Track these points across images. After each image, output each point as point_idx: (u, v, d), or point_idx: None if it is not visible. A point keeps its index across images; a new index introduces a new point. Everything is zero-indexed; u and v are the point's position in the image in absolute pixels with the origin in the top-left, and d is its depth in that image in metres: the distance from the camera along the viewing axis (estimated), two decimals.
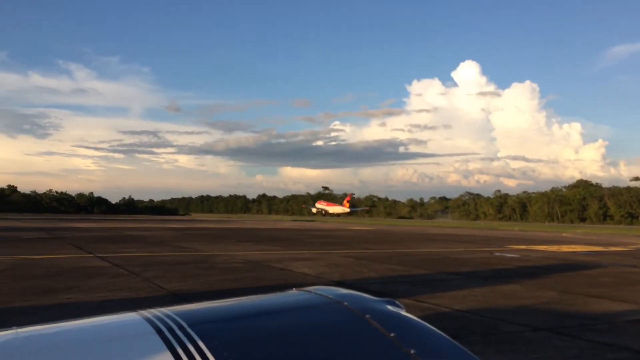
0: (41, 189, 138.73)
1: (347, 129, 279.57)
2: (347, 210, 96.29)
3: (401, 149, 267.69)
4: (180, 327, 1.35)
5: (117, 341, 1.35)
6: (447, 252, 21.21)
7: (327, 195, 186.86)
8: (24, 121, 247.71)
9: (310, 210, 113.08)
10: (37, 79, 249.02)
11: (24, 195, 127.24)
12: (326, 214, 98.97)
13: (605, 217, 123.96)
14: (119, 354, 1.27)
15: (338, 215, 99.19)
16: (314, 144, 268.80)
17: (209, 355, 1.24)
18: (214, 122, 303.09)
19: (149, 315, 1.47)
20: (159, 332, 1.34)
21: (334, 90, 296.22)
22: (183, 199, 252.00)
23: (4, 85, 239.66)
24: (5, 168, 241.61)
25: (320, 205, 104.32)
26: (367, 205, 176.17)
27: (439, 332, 1.48)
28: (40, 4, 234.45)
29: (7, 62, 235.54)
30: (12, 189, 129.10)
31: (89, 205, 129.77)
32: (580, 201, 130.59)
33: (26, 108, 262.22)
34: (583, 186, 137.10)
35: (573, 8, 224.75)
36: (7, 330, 1.44)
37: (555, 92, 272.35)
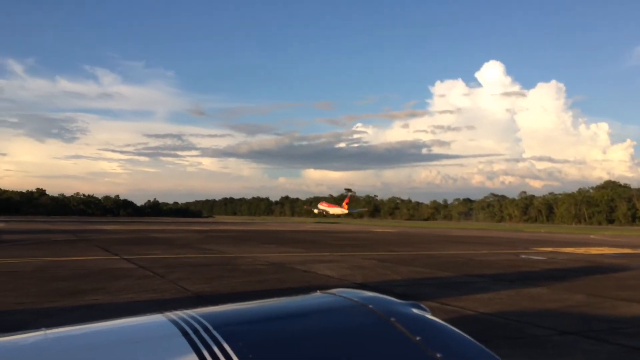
0: (69, 191, 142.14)
1: (370, 130, 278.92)
2: (346, 211, 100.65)
3: (424, 151, 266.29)
4: (206, 329, 1.36)
5: (143, 343, 1.36)
6: (472, 254, 21.00)
7: (349, 197, 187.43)
8: (52, 125, 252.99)
9: (312, 211, 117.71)
10: (64, 84, 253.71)
11: (52, 198, 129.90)
12: (327, 214, 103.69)
13: (634, 218, 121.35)
14: (145, 355, 1.29)
15: (338, 216, 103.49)
16: (337, 146, 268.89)
17: (233, 357, 1.25)
18: (236, 124, 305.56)
19: (174, 317, 1.48)
20: (185, 333, 1.35)
21: (356, 92, 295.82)
22: (207, 201, 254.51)
23: (33, 91, 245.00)
24: (35, 171, 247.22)
25: (322, 206, 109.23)
26: (390, 207, 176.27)
27: (465, 335, 1.46)
28: (66, 11, 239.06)
29: (35, 67, 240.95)
30: (41, 192, 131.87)
31: (115, 207, 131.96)
32: (608, 202, 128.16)
33: (54, 113, 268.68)
34: (611, 187, 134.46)
35: (599, 6, 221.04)
36: (36, 331, 1.47)
37: (581, 92, 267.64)
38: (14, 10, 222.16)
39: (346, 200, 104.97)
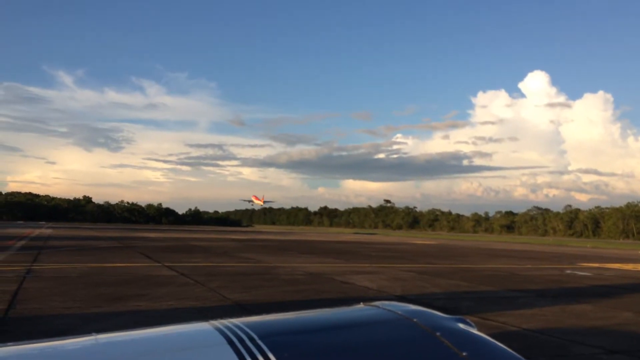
0: (114, 199, 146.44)
1: (409, 141, 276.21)
2: (262, 203, 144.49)
3: (465, 162, 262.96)
4: (251, 339, 1.37)
5: (191, 350, 1.38)
6: (514, 268, 20.53)
7: (388, 209, 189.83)
8: (99, 135, 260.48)
9: (246, 202, 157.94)
10: (112, 95, 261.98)
11: (98, 206, 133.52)
12: (253, 204, 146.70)
13: None
14: None
15: (259, 206, 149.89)
16: (376, 156, 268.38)
17: None
18: (276, 135, 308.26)
19: (219, 326, 1.50)
20: (230, 342, 1.37)
21: (396, 102, 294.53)
22: (246, 210, 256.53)
23: (82, 102, 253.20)
24: (82, 180, 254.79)
25: (252, 198, 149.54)
26: (430, 219, 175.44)
27: (512, 352, 1.43)
28: (114, 24, 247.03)
29: (84, 79, 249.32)
30: (87, 200, 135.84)
31: (158, 215, 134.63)
32: None
33: (101, 122, 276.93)
34: None
35: None
36: (87, 336, 1.51)
37: (630, 103, 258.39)
38: (65, 24, 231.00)
39: (263, 197, 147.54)
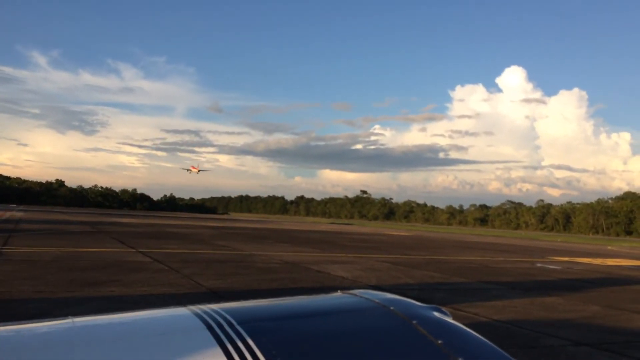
0: (87, 184, 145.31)
1: (387, 133, 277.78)
2: (197, 172, 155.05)
3: (441, 155, 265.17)
4: (230, 324, 1.38)
5: (169, 335, 1.38)
6: (487, 261, 20.85)
7: (365, 199, 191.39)
8: (74, 118, 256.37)
9: (186, 170, 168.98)
10: (87, 78, 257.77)
11: (71, 190, 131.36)
12: (191, 172, 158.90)
13: None
14: (171, 347, 1.31)
15: (196, 172, 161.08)
16: (353, 147, 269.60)
17: (258, 353, 1.26)
18: (254, 123, 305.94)
19: (198, 311, 1.50)
20: (209, 327, 1.37)
21: (374, 94, 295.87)
22: (222, 198, 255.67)
23: (56, 83, 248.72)
24: (54, 163, 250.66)
25: (190, 168, 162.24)
26: (405, 211, 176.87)
27: (487, 341, 1.47)
28: (90, 4, 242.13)
29: (59, 60, 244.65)
30: (60, 183, 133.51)
31: (132, 201, 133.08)
32: (627, 214, 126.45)
33: (76, 105, 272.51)
34: (631, 198, 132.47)
35: (623, 15, 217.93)
36: (63, 319, 1.50)
37: (604, 101, 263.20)
38: (39, 3, 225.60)
39: (198, 166, 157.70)
